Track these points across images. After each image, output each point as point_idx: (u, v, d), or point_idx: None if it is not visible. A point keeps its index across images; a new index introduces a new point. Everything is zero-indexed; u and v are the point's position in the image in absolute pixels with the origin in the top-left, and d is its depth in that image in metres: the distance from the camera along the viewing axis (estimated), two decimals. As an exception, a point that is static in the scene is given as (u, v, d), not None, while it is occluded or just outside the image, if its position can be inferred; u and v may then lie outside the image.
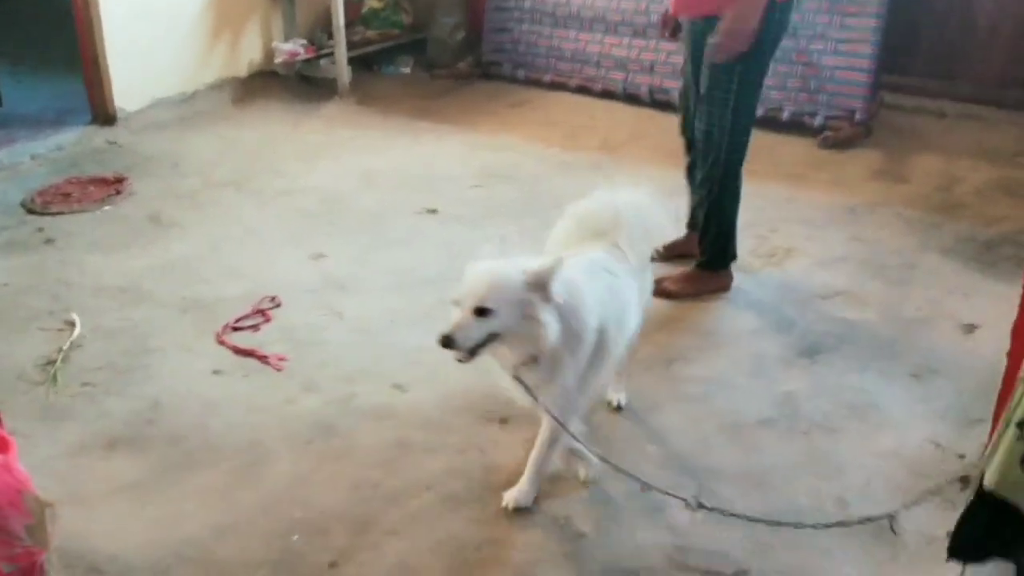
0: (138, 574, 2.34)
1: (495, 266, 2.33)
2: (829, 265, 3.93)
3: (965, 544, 1.98)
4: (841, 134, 5.15)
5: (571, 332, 2.37)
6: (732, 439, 2.90)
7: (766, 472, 2.76)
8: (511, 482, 2.67)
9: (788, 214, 4.38)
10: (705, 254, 3.71)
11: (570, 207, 2.74)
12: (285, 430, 2.90)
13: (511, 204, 4.51)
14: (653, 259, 3.73)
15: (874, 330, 3.47)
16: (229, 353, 3.29)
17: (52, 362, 3.20)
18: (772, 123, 5.36)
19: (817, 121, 5.28)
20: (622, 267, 2.63)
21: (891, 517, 2.18)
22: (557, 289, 2.31)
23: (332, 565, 2.39)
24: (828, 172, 4.88)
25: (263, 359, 3.24)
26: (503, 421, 2.94)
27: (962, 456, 2.77)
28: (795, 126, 5.33)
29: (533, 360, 2.37)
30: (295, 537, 2.47)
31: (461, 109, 5.81)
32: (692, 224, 3.86)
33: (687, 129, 3.77)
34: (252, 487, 2.67)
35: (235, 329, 3.42)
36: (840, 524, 2.30)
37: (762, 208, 4.43)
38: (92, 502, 2.59)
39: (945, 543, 2.20)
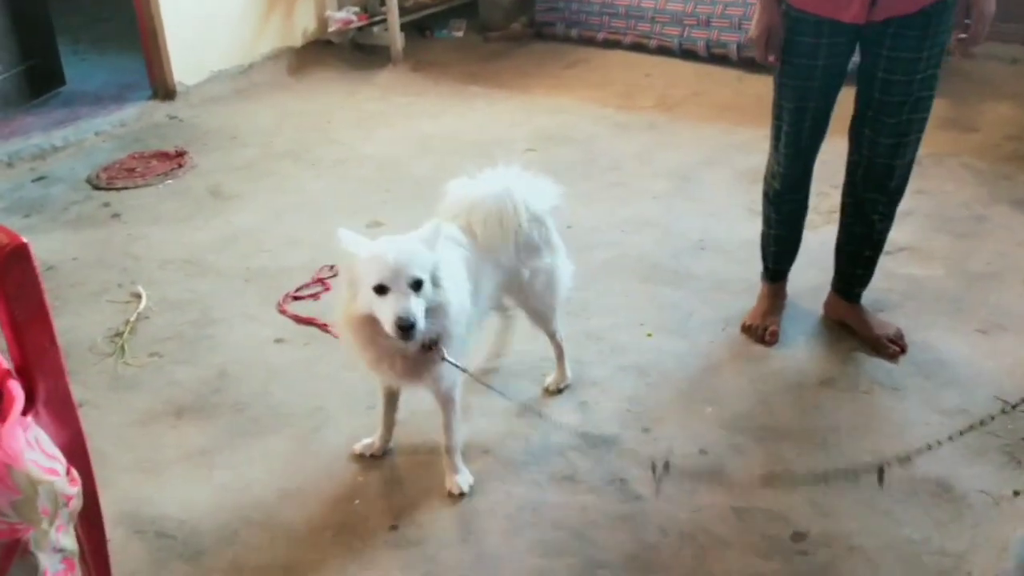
0: (206, 538, 2.41)
1: (396, 240, 2.25)
2: (894, 220, 3.82)
3: None
4: (906, 84, 4.98)
5: (455, 298, 2.31)
6: (793, 399, 2.87)
7: (828, 432, 2.72)
8: (569, 444, 2.68)
9: (850, 168, 4.27)
10: (864, 286, 3.17)
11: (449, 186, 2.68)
12: (346, 396, 2.95)
13: (567, 167, 4.48)
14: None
15: (940, 285, 3.38)
16: (291, 322, 3.35)
17: (120, 334, 3.30)
18: (834, 75, 5.22)
19: (881, 71, 5.11)
20: (469, 244, 2.55)
21: (880, 468, 2.17)
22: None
23: (393, 528, 2.44)
24: (892, 123, 4.73)
25: (323, 327, 3.29)
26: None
27: (1031, 413, 2.70)
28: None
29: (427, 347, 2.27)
30: (357, 501, 2.53)
31: (514, 72, 5.78)
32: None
33: (803, 162, 3.05)
34: (315, 453, 2.72)
35: (296, 298, 3.48)
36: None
37: (824, 163, 4.28)
38: (162, 469, 2.67)
39: (1010, 504, 2.18)
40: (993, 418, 2.14)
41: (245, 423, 2.85)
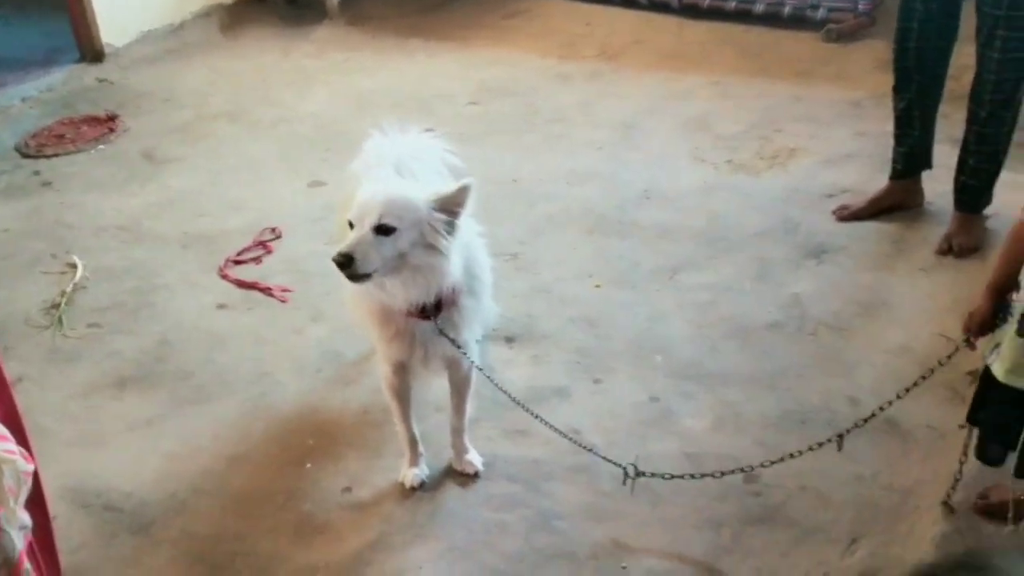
0: (154, 509, 2.37)
1: (395, 185, 2.18)
2: (835, 163, 3.85)
3: (989, 422, 2.04)
4: (845, 26, 5.01)
5: (471, 272, 2.21)
6: (740, 344, 2.88)
7: (776, 375, 2.75)
8: (523, 398, 2.66)
9: (792, 112, 4.28)
10: (980, 195, 3.25)
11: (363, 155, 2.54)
12: (294, 360, 2.90)
13: (509, 120, 4.43)
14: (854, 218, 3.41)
15: (882, 226, 3.41)
16: (233, 287, 3.28)
17: (57, 305, 3.20)
18: (774, 19, 5.22)
19: (820, 14, 5.12)
20: None
21: (840, 437, 2.20)
22: (464, 220, 2.12)
23: (346, 490, 2.42)
24: (833, 66, 4.76)
25: (267, 291, 3.23)
26: (509, 339, 2.93)
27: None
28: (797, 21, 5.18)
29: (422, 313, 2.16)
30: (308, 465, 2.50)
31: (454, 24, 5.67)
32: (905, 172, 3.43)
33: (905, 57, 3.27)
34: (264, 418, 2.68)
35: (237, 263, 3.40)
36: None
37: (767, 108, 4.35)
38: (106, 441, 2.61)
39: (955, 437, 2.22)
40: (941, 364, 2.16)
41: (190, 391, 2.79)
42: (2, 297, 3.25)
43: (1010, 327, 1.94)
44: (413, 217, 2.05)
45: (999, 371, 1.96)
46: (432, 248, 2.07)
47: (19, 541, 1.57)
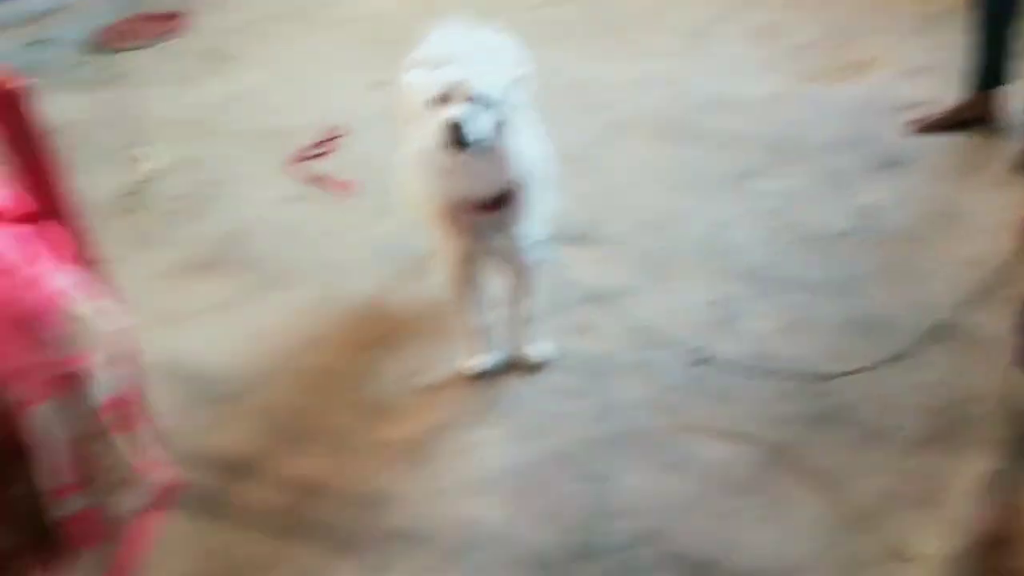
0: (234, 383, 2.47)
1: (479, 66, 2.07)
2: (912, 75, 3.74)
3: None
4: (926, -63, 4.81)
5: (535, 166, 2.17)
6: (809, 251, 2.85)
7: (844, 282, 2.72)
8: (587, 297, 2.68)
9: (866, 24, 4.15)
10: None
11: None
12: (361, 252, 2.95)
13: (576, 24, 4.37)
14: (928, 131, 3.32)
15: (956, 140, 3.33)
16: (301, 181, 3.32)
17: (131, 194, 3.27)
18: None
19: (901, -76, 4.93)
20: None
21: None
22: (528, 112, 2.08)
23: (414, 375, 2.48)
24: (911, -23, 4.59)
25: (335, 186, 3.26)
26: (574, 239, 2.93)
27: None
28: (877, -70, 4.99)
29: (487, 206, 2.14)
30: (378, 350, 2.55)
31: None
32: (981, 86, 3.26)
33: None
34: (333, 306, 2.74)
35: (304, 158, 3.43)
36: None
37: (840, 18, 4.22)
38: (186, 320, 2.70)
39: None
40: (999, 273, 2.11)
41: (261, 278, 2.86)
42: (77, 185, 3.32)
43: None
44: (500, 96, 2.03)
45: None
46: (511, 130, 2.06)
47: (108, 389, 1.62)
